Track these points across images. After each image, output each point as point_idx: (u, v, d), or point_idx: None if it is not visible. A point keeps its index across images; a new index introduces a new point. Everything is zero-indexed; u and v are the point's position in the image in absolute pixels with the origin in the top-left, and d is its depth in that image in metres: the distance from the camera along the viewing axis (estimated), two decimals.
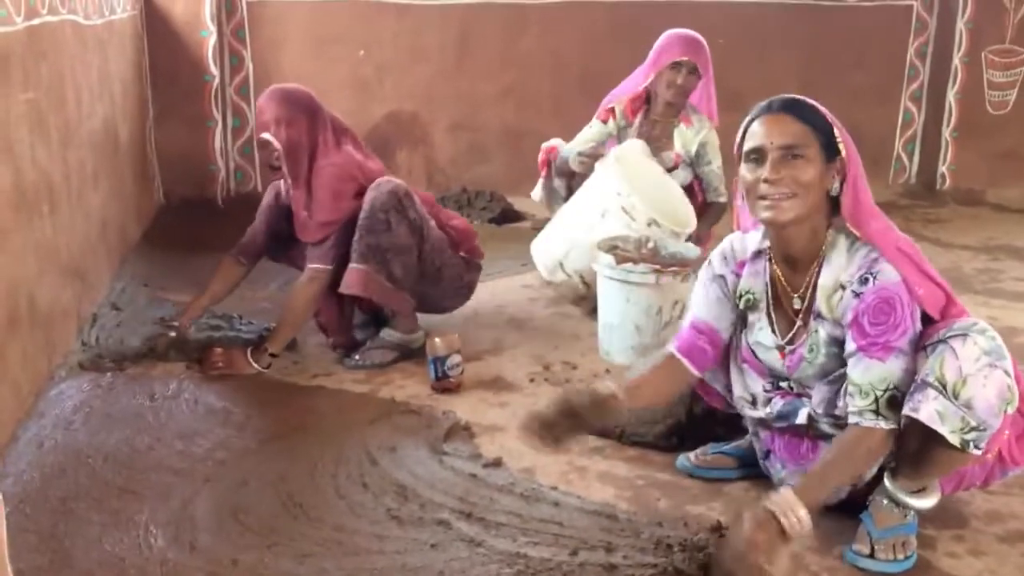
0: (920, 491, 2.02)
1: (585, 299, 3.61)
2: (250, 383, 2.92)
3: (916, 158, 6.02)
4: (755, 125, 2.02)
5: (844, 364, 2.03)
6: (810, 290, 2.08)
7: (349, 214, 3.02)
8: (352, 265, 3.00)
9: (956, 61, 5.72)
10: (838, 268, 2.03)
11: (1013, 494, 2.31)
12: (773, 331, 2.16)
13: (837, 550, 2.05)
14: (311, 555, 2.02)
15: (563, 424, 2.12)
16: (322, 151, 3.05)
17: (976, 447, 1.87)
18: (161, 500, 2.23)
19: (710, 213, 3.84)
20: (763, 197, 1.99)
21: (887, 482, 2.03)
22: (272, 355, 3.04)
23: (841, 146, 2.00)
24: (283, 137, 3.03)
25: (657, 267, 3.06)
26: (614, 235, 3.36)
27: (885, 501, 2.03)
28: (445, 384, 2.90)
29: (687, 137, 3.80)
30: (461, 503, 2.23)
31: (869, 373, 1.95)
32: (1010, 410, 1.90)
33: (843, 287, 2.01)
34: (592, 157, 3.63)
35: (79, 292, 3.26)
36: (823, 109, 2.02)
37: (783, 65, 5.75)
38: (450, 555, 2.01)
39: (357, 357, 3.11)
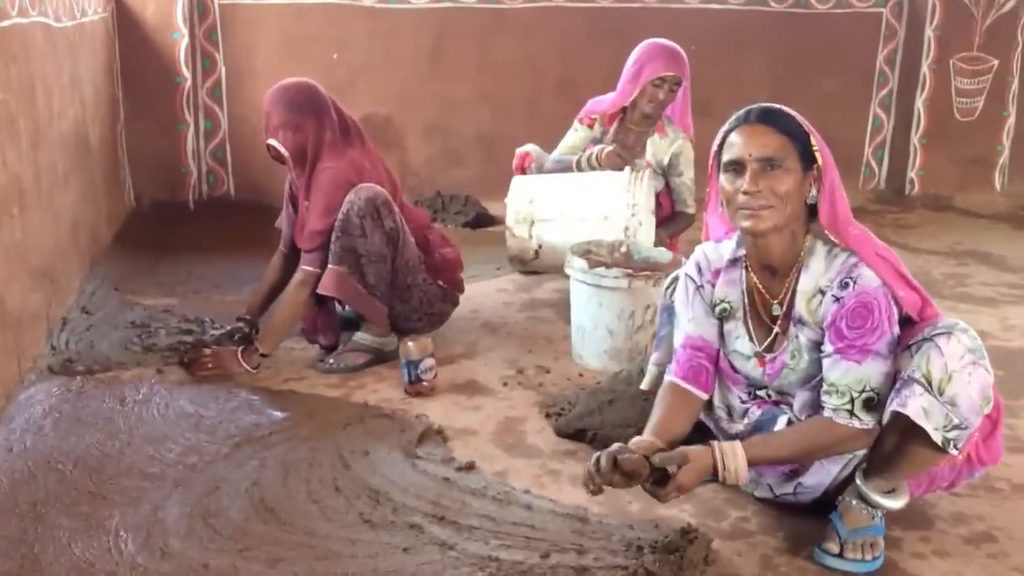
0: (891, 492, 2.05)
1: (524, 263, 3.69)
2: (221, 387, 2.90)
3: (885, 164, 6.09)
4: (733, 136, 2.04)
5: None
6: (789, 296, 2.10)
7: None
8: (329, 266, 3.01)
9: (924, 68, 5.79)
10: (817, 273, 2.05)
11: (978, 496, 2.35)
12: (751, 339, 2.18)
13: (806, 551, 2.08)
14: (283, 559, 2.01)
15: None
16: (327, 153, 3.06)
17: (955, 447, 1.90)
18: (131, 505, 2.22)
19: (676, 221, 3.88)
20: (742, 207, 2.01)
21: (859, 482, 2.06)
22: (263, 355, 3.03)
23: (818, 154, 2.02)
24: (290, 143, 3.04)
25: (629, 271, 3.08)
26: (587, 239, 3.39)
27: (855, 502, 2.05)
28: (418, 388, 2.90)
29: (659, 147, 3.81)
30: (434, 507, 2.23)
31: (846, 375, 1.98)
32: (986, 409, 1.94)
33: (823, 292, 2.04)
34: (622, 157, 3.69)
35: (49, 295, 3.24)
36: (799, 117, 2.04)
37: (754, 72, 5.80)
38: (422, 559, 2.02)
39: (331, 360, 3.10)
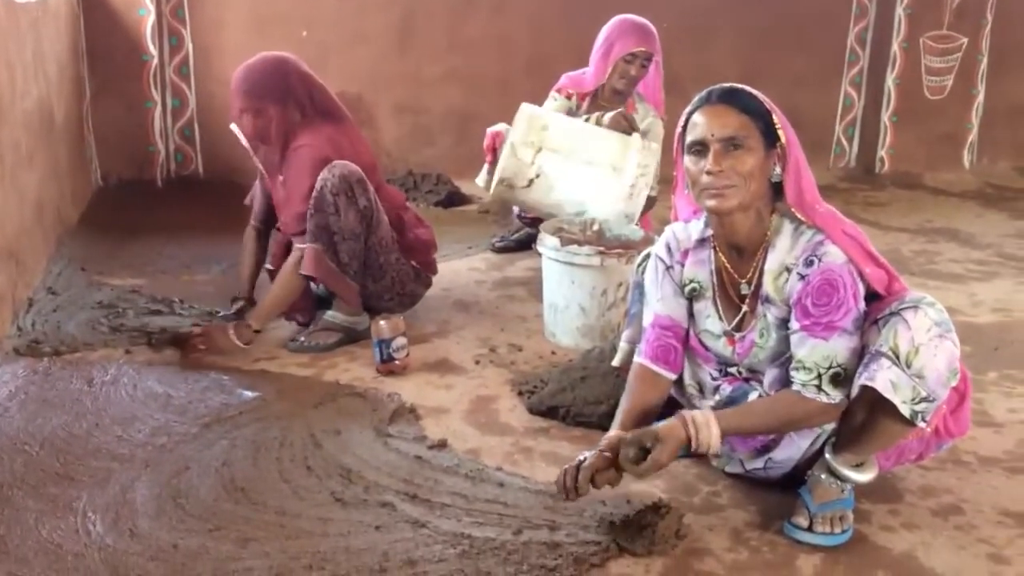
0: (859, 465, 2.06)
1: (512, 188, 3.55)
2: (190, 367, 2.87)
3: (856, 142, 6.12)
4: (696, 116, 2.04)
5: None
6: (757, 275, 2.10)
7: None
8: (306, 244, 2.98)
9: (895, 47, 5.82)
10: (783, 251, 2.06)
11: (946, 469, 2.37)
12: (720, 318, 2.18)
13: (776, 525, 2.09)
14: (254, 539, 2.00)
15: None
16: (300, 131, 3.02)
17: (923, 419, 1.92)
18: (100, 486, 2.20)
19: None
20: (706, 188, 2.01)
21: (828, 456, 2.07)
22: (256, 331, 3.00)
23: (781, 133, 2.02)
24: (250, 130, 3.01)
25: (602, 249, 3.08)
26: (559, 217, 3.38)
27: (824, 476, 2.07)
28: (390, 366, 2.89)
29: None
30: (406, 485, 2.23)
31: (813, 352, 1.99)
32: (954, 382, 1.96)
33: (788, 270, 2.04)
34: (627, 120, 3.62)
35: (14, 276, 3.19)
36: (762, 96, 2.04)
37: (725, 49, 5.80)
38: (394, 536, 2.01)
39: (302, 339, 3.08)
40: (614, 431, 2.13)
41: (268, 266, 3.28)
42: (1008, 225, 4.98)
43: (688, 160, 2.05)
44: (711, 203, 2.02)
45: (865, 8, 5.94)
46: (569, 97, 3.91)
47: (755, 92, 2.04)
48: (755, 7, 5.79)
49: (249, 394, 2.72)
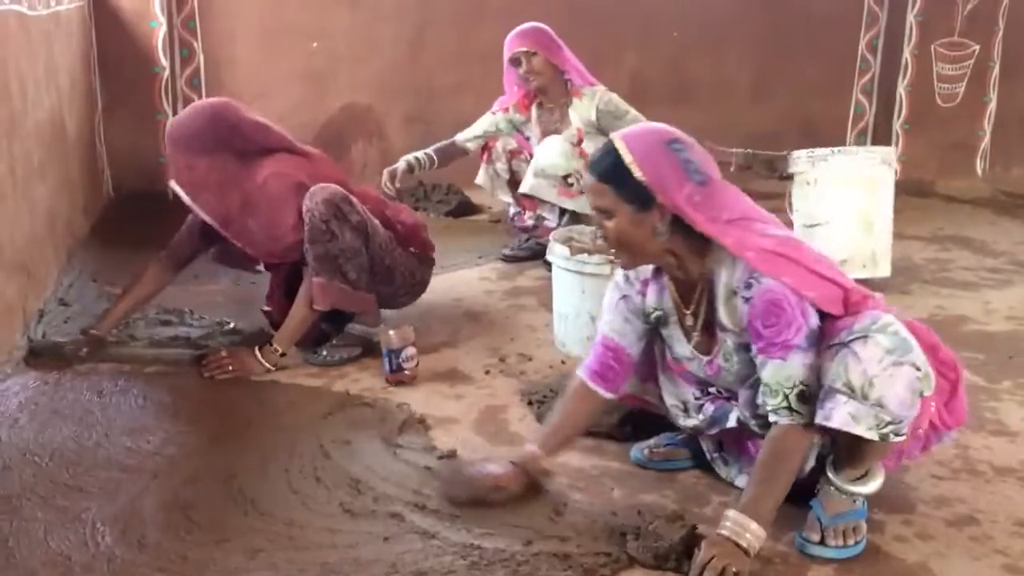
0: (863, 477, 2.04)
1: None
2: (199, 378, 2.87)
3: None
4: None
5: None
6: (702, 306, 2.12)
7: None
8: (313, 279, 2.95)
9: (906, 54, 5.80)
10: (727, 277, 2.04)
11: (960, 479, 2.35)
12: (688, 341, 2.19)
13: (788, 536, 2.07)
14: (262, 550, 1.99)
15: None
16: (249, 174, 2.91)
17: (897, 436, 1.91)
18: (108, 497, 2.19)
19: None
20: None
21: (830, 474, 2.05)
22: (282, 355, 2.97)
23: (654, 192, 1.98)
24: (185, 183, 2.88)
25: (611, 258, 3.06)
26: (570, 227, 3.37)
27: (833, 489, 2.05)
28: (400, 377, 2.88)
29: (582, 109, 3.95)
30: (415, 495, 2.21)
31: (775, 373, 1.98)
32: (926, 392, 1.93)
33: (735, 293, 2.03)
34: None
35: (25, 287, 3.20)
36: (631, 154, 1.99)
37: (736, 58, 5.80)
38: (403, 547, 2.00)
39: (324, 353, 3.07)
40: (529, 447, 2.25)
41: (265, 307, 3.21)
42: (1022, 232, 4.93)
43: None
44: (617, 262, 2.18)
45: (876, 15, 5.92)
46: (505, 111, 4.14)
47: (622, 153, 2.00)
48: (766, 15, 5.78)
49: (258, 405, 2.71)
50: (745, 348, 2.07)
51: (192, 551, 1.99)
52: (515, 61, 3.96)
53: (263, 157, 2.95)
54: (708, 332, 2.14)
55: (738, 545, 1.89)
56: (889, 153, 3.88)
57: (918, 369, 1.90)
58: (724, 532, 1.91)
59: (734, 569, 1.85)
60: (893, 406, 1.87)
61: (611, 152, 2.03)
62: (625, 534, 2.03)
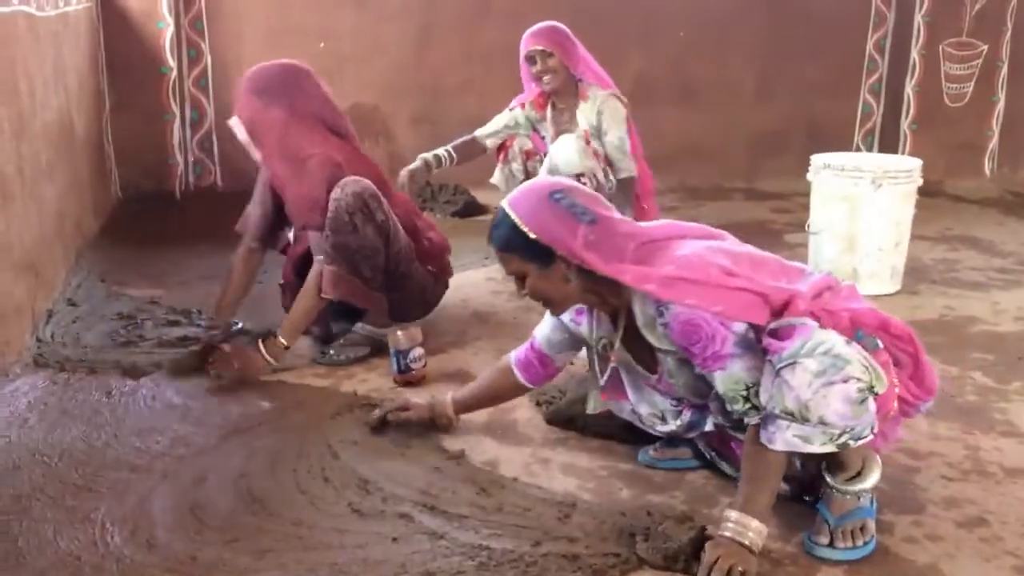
0: (858, 474, 2.04)
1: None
2: (208, 378, 2.87)
3: (875, 150, 6.08)
4: None
5: (703, 378, 2.08)
6: (622, 332, 2.18)
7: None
8: (325, 267, 2.96)
9: (914, 54, 5.79)
10: (641, 306, 2.09)
11: (970, 480, 2.34)
12: (637, 363, 2.24)
13: (797, 536, 2.06)
14: (271, 550, 2.00)
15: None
16: (303, 144, 2.95)
17: (858, 439, 1.91)
18: (118, 497, 2.20)
19: (621, 191, 3.87)
20: None
21: (828, 478, 2.05)
22: (286, 348, 2.95)
23: (551, 247, 2.04)
24: (245, 126, 2.99)
25: None
26: None
27: (834, 491, 2.04)
28: (408, 377, 2.89)
29: (587, 111, 3.93)
30: (423, 496, 2.21)
31: (724, 384, 2.00)
32: (879, 390, 1.91)
33: (654, 320, 2.06)
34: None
35: (33, 288, 3.20)
36: (523, 220, 2.06)
37: (743, 58, 5.79)
38: (412, 548, 2.00)
39: (332, 352, 3.07)
40: (447, 397, 2.54)
41: (281, 280, 3.27)
42: None
43: None
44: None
45: (884, 15, 5.91)
46: (522, 106, 4.10)
47: (513, 219, 2.08)
48: (772, 15, 5.78)
49: (267, 405, 2.72)
50: (688, 364, 2.09)
51: (201, 551, 1.99)
52: (530, 59, 3.94)
53: (315, 133, 2.99)
54: (649, 354, 2.18)
55: (742, 544, 1.89)
56: (881, 174, 3.73)
57: (859, 380, 1.88)
58: (727, 533, 1.92)
59: (740, 568, 1.85)
60: (836, 420, 1.88)
61: (504, 219, 2.11)
62: (634, 535, 2.02)
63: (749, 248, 2.16)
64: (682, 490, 2.28)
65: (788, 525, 2.11)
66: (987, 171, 6.03)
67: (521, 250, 2.08)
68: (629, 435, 2.49)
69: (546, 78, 3.91)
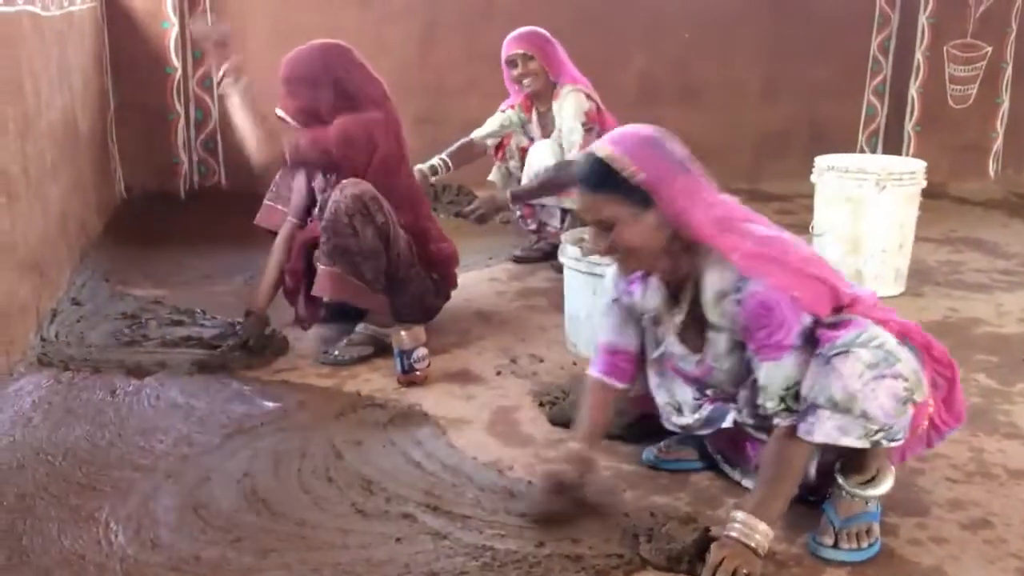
0: (872, 479, 2.04)
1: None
2: (212, 378, 2.88)
3: (879, 152, 6.07)
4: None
5: (749, 365, 2.05)
6: (687, 306, 2.10)
7: (342, 160, 3.00)
8: (321, 267, 2.96)
9: (918, 55, 5.78)
10: (716, 279, 2.02)
11: (974, 482, 2.34)
12: (681, 342, 2.18)
13: (802, 538, 2.06)
14: (274, 550, 2.00)
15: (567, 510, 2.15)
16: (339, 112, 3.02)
17: (892, 440, 1.91)
18: (122, 496, 2.20)
19: (561, 166, 3.88)
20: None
21: (840, 479, 2.04)
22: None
23: (652, 188, 1.95)
24: (289, 110, 3.04)
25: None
26: (581, 228, 3.36)
27: (844, 493, 2.04)
28: (411, 377, 2.89)
29: (557, 110, 3.98)
30: (427, 496, 2.21)
31: (769, 375, 1.97)
32: (918, 398, 1.92)
33: (725, 295, 2.01)
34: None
35: (38, 287, 3.21)
36: (628, 158, 1.96)
37: (747, 59, 5.79)
38: (415, 548, 2.00)
39: (335, 352, 3.07)
40: (573, 445, 2.23)
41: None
42: None
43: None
44: (616, 268, 2.10)
45: (888, 17, 5.90)
46: (513, 108, 4.15)
47: (612, 159, 1.96)
48: (775, 16, 5.77)
49: (270, 404, 2.72)
50: (740, 347, 2.06)
51: (205, 551, 1.99)
52: (511, 63, 3.98)
53: (360, 105, 3.05)
54: (697, 332, 2.13)
55: (747, 546, 1.89)
56: (886, 176, 3.72)
57: (905, 380, 1.89)
58: (733, 534, 1.91)
59: (745, 571, 1.85)
60: (879, 417, 1.87)
61: (597, 162, 1.99)
62: (638, 536, 2.02)
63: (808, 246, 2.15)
64: (686, 491, 2.27)
65: (792, 526, 2.11)
66: (991, 173, 6.02)
67: (620, 192, 1.96)
68: (632, 436, 2.49)
69: (525, 81, 3.97)
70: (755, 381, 2.03)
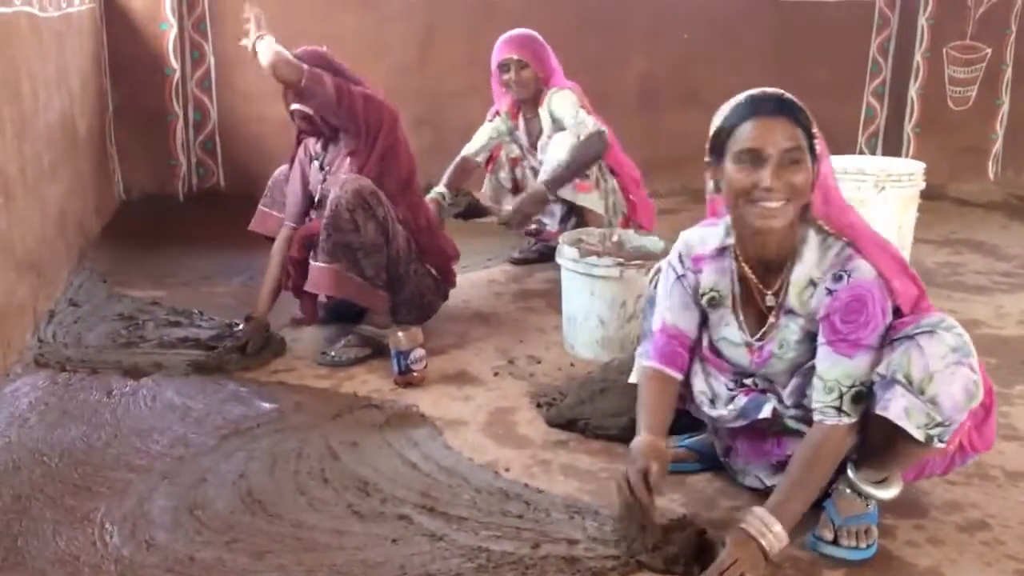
0: (882, 481, 2.03)
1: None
2: (209, 379, 2.87)
3: (878, 153, 6.07)
4: (749, 126, 1.93)
5: (813, 357, 2.01)
6: (783, 287, 2.05)
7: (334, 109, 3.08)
8: (320, 264, 2.96)
9: (918, 57, 5.78)
10: (810, 264, 2.00)
11: (972, 484, 2.33)
12: (741, 328, 2.13)
13: (798, 540, 2.05)
14: (270, 551, 1.99)
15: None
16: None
17: (940, 441, 1.88)
18: (117, 497, 2.19)
19: (585, 144, 3.83)
20: (756, 202, 1.93)
21: (850, 472, 2.03)
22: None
23: (818, 145, 1.95)
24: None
25: (621, 260, 3.06)
26: (579, 229, 3.37)
27: (848, 491, 2.04)
28: (408, 378, 2.88)
29: (544, 114, 3.97)
30: (423, 498, 2.21)
31: (835, 368, 1.95)
32: (975, 404, 1.91)
33: (815, 283, 1.99)
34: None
35: (35, 287, 3.20)
36: (806, 108, 1.97)
37: (747, 61, 5.78)
38: (411, 550, 2.00)
39: (332, 353, 3.07)
40: (647, 436, 2.10)
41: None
42: None
43: (736, 169, 1.95)
44: (759, 223, 1.95)
45: (888, 18, 5.90)
46: (491, 119, 4.14)
47: (800, 104, 1.97)
48: (776, 18, 5.76)
49: (267, 406, 2.72)
50: (808, 337, 2.03)
51: (200, 552, 1.98)
52: (504, 67, 3.94)
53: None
54: (758, 316, 2.10)
55: (759, 543, 1.87)
56: (885, 177, 3.73)
57: (976, 374, 1.89)
58: (749, 529, 1.89)
59: None
60: (946, 407, 1.86)
61: (795, 101, 1.95)
62: (634, 538, 2.01)
63: None
64: (682, 493, 2.27)
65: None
66: (991, 174, 6.01)
67: (807, 135, 1.93)
68: (630, 437, 2.48)
69: (516, 88, 3.93)
70: (810, 370, 2.01)
